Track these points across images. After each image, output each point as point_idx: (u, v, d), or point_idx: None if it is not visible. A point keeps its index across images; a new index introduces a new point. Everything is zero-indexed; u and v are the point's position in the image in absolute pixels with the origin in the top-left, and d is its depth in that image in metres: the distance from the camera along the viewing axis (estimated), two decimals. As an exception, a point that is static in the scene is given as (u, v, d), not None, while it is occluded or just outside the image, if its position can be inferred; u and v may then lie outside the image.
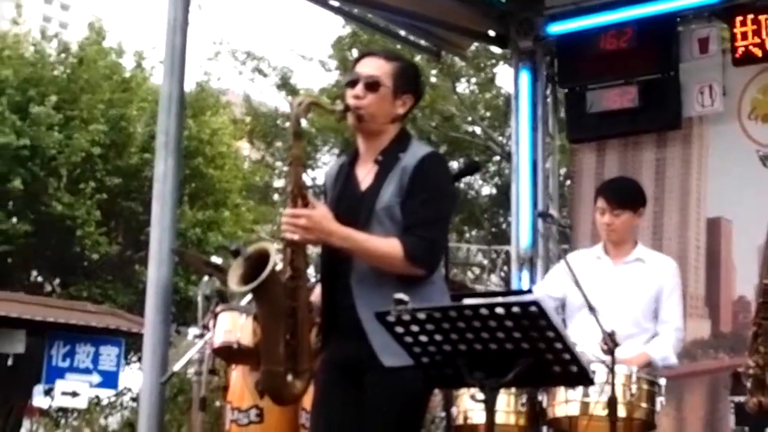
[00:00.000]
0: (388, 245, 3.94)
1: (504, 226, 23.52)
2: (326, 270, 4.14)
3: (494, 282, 24.37)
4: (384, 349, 3.89)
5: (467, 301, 3.58)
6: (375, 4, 9.07)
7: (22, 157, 19.53)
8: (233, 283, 3.97)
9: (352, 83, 4.12)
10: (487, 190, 25.17)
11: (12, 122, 19.52)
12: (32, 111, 19.62)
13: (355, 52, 22.52)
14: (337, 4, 9.17)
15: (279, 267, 3.90)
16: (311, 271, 4.62)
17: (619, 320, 5.23)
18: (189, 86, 19.25)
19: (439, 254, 4.09)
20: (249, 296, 6.07)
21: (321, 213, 3.95)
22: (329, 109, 4.28)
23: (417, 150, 4.12)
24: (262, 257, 3.92)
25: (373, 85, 4.08)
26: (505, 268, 22.53)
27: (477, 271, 26.24)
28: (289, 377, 3.96)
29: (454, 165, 24.24)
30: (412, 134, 4.31)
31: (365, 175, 4.15)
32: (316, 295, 4.20)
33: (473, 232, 26.18)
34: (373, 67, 4.13)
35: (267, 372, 4.02)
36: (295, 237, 3.93)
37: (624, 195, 5.78)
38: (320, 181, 19.70)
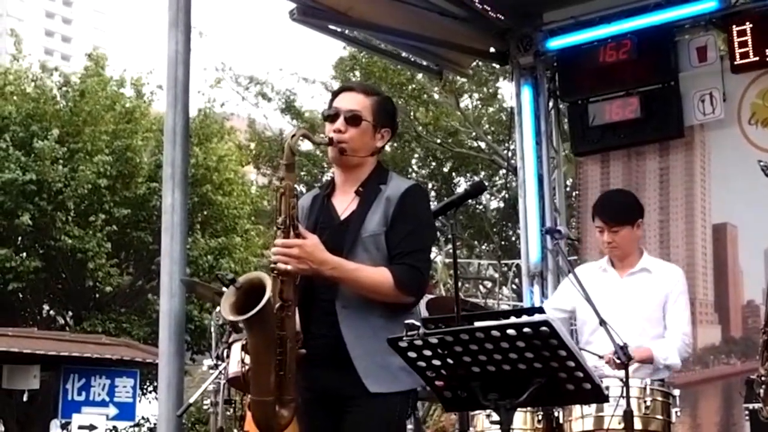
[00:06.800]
0: (378, 274, 3.97)
1: (514, 238, 23.51)
2: (305, 296, 4.08)
3: (506, 295, 24.34)
4: (369, 374, 3.94)
5: (478, 324, 3.58)
6: (375, 27, 9.07)
7: (28, 193, 19.55)
8: (226, 312, 3.93)
9: (333, 118, 4.16)
10: (495, 204, 25.19)
11: (17, 158, 19.57)
12: (36, 146, 19.66)
13: (357, 74, 22.59)
14: (337, 28, 9.15)
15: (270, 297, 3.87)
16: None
17: (628, 331, 5.22)
18: (192, 112, 19.28)
19: (425, 283, 4.12)
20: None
21: (313, 243, 3.94)
22: (317, 140, 4.37)
23: (399, 182, 4.19)
24: (255, 287, 3.88)
25: (354, 120, 4.13)
26: (517, 280, 22.50)
27: (489, 285, 26.22)
28: (277, 407, 3.95)
29: (462, 182, 24.46)
30: (389, 168, 4.35)
31: (345, 205, 4.17)
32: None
33: (483, 247, 26.17)
34: (353, 101, 4.18)
35: (258, 403, 4.00)
36: (288, 267, 3.90)
37: (619, 212, 5.76)
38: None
